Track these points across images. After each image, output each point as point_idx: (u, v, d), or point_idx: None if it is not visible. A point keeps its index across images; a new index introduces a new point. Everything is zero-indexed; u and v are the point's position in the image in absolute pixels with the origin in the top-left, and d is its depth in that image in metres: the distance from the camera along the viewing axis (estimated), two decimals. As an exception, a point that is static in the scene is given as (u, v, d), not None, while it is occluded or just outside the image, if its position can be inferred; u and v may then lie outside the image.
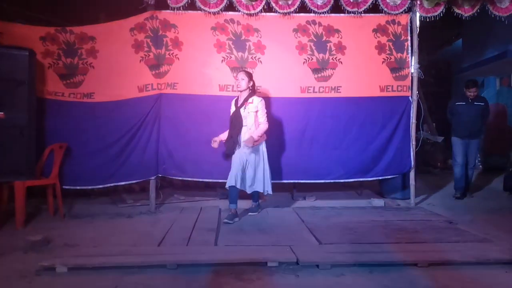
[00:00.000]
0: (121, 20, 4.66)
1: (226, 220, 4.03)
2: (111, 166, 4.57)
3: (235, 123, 4.14)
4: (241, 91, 4.20)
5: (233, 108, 4.26)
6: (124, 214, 4.44)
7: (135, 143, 4.61)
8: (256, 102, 4.14)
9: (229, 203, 4.17)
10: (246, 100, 4.15)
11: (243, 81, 4.15)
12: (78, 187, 4.57)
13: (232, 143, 4.12)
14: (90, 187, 4.66)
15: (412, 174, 4.90)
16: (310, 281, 2.68)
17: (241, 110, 4.15)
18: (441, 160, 8.33)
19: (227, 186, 4.10)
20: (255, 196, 4.45)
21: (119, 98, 4.62)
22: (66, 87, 4.61)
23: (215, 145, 4.21)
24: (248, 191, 4.20)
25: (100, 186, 4.63)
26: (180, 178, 4.86)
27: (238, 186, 4.04)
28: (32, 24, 4.69)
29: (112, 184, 4.64)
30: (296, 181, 4.99)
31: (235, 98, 4.30)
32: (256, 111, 4.12)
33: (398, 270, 2.83)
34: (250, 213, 4.41)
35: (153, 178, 4.65)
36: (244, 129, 4.15)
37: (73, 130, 4.55)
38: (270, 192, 4.22)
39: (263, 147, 4.21)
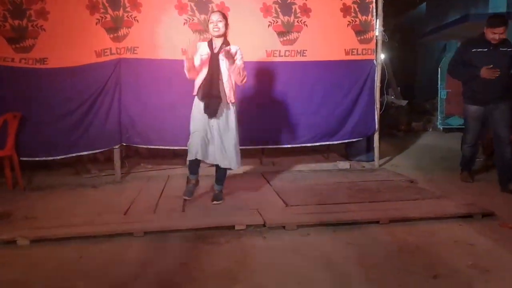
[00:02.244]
0: None
1: (185, 197, 3.47)
2: (71, 135, 4.37)
3: (214, 71, 3.31)
4: (216, 37, 3.37)
5: (204, 51, 3.37)
6: (89, 184, 4.32)
7: (96, 111, 4.41)
8: (234, 51, 3.33)
9: (189, 173, 3.53)
10: (223, 46, 3.34)
11: (221, 23, 3.31)
12: (37, 158, 4.36)
13: (216, 100, 3.29)
14: (50, 158, 4.45)
15: (376, 137, 5.03)
16: (277, 242, 2.74)
17: (220, 56, 3.33)
18: (404, 123, 8.59)
19: (188, 159, 3.44)
20: (221, 175, 3.58)
21: (76, 64, 4.36)
22: (16, 51, 4.28)
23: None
24: (212, 162, 3.44)
25: (61, 157, 4.44)
26: (145, 147, 4.75)
27: (200, 157, 3.32)
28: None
29: (74, 154, 4.47)
30: (264, 146, 5.01)
31: (207, 42, 3.44)
32: (234, 59, 3.30)
33: (360, 228, 2.94)
34: (214, 202, 3.51)
35: (116, 147, 4.52)
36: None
37: (27, 99, 4.28)
38: (238, 166, 3.54)
39: (234, 111, 3.41)
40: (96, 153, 4.73)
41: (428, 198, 3.57)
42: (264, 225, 2.96)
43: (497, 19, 3.86)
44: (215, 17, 3.35)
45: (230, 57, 3.25)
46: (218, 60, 3.32)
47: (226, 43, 3.38)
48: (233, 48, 3.37)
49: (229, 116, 3.38)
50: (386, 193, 3.77)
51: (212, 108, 3.30)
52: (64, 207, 3.52)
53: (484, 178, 4.49)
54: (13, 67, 4.27)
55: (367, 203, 3.46)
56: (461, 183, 4.24)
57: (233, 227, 2.93)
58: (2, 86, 4.25)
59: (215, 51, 3.34)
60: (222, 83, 3.33)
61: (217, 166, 3.51)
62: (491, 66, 3.79)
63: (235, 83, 3.41)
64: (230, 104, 3.37)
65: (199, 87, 3.36)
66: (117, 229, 2.88)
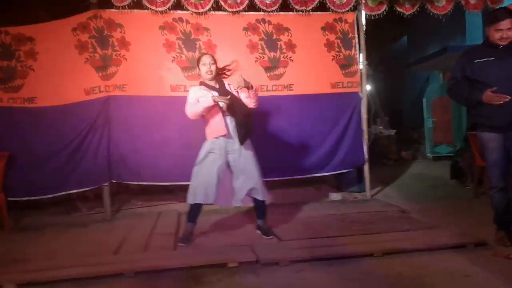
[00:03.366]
0: (62, 19, 4.42)
1: (181, 244, 3.34)
2: (59, 174, 4.32)
3: (236, 104, 3.31)
4: (209, 80, 3.42)
5: (202, 94, 3.33)
6: (79, 223, 4.23)
7: (85, 149, 4.39)
8: (227, 85, 3.46)
9: (188, 220, 3.48)
10: (221, 86, 3.41)
11: (214, 66, 3.39)
12: (24, 198, 4.29)
13: (246, 125, 3.33)
14: (38, 197, 4.37)
15: (366, 168, 5.06)
16: (271, 279, 2.68)
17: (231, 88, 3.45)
18: (394, 152, 8.69)
19: (191, 201, 3.37)
20: (261, 208, 3.55)
21: (64, 102, 4.38)
22: (4, 91, 4.29)
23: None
24: (241, 203, 3.44)
25: (49, 196, 4.37)
26: (136, 183, 4.71)
27: (212, 201, 3.33)
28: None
29: (62, 193, 4.41)
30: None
31: (203, 88, 3.42)
32: (237, 92, 3.45)
33: (355, 261, 2.90)
34: (269, 237, 3.46)
35: (106, 184, 4.47)
36: (228, 119, 3.38)
37: (15, 138, 4.26)
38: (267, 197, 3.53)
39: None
40: (85, 190, 4.66)
41: (420, 228, 3.55)
42: (257, 262, 2.90)
43: (500, 10, 3.03)
44: (208, 59, 3.39)
45: (249, 83, 3.31)
46: (229, 92, 3.35)
47: (219, 82, 3.45)
48: (226, 83, 3.47)
49: (247, 147, 3.44)
50: (379, 225, 3.75)
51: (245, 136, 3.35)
52: (53, 248, 3.43)
53: (475, 206, 4.50)
54: (1, 106, 4.27)
55: (360, 235, 3.43)
56: (453, 213, 4.24)
57: (225, 264, 2.87)
58: (-10, 126, 4.22)
59: (219, 90, 3.37)
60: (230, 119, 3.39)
61: (254, 200, 3.52)
62: (495, 88, 2.83)
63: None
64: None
65: (215, 125, 3.35)
66: (106, 270, 2.80)
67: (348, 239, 3.31)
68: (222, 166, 3.35)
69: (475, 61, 2.99)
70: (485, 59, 2.96)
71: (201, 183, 3.33)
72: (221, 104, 3.30)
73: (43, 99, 4.36)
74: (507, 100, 2.81)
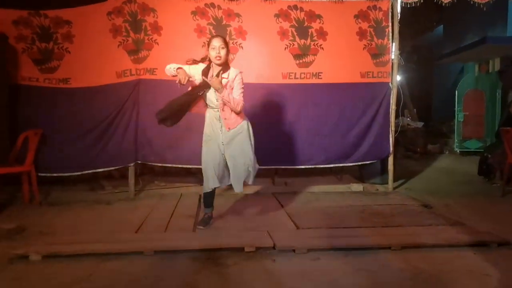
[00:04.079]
0: (98, 3, 4.53)
1: (200, 227, 3.40)
2: (88, 152, 4.50)
3: (188, 93, 3.26)
4: (218, 65, 3.23)
5: (197, 77, 3.24)
6: (103, 201, 4.40)
7: (113, 129, 4.54)
8: (233, 76, 3.22)
9: (204, 207, 3.51)
10: (220, 73, 3.21)
11: (223, 51, 3.17)
12: (54, 174, 4.49)
13: (168, 114, 3.30)
14: (67, 174, 4.57)
15: (390, 160, 4.98)
16: (286, 266, 2.71)
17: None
18: (421, 145, 8.48)
19: (204, 191, 3.42)
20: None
21: (97, 84, 4.52)
22: (41, 72, 4.49)
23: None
24: (236, 189, 3.41)
25: (78, 173, 4.56)
26: (160, 165, 4.82)
27: (218, 185, 3.35)
28: (4, 7, 4.50)
29: (90, 171, 4.58)
30: (278, 166, 5.01)
31: (204, 68, 3.26)
32: (232, 88, 3.23)
33: (372, 253, 2.88)
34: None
35: (131, 164, 4.60)
36: (211, 112, 3.33)
37: (49, 116, 4.45)
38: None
39: (249, 128, 3.40)
40: (111, 170, 4.83)
41: (443, 224, 3.49)
42: (274, 248, 2.94)
43: None
44: (217, 42, 3.17)
45: (219, 87, 3.12)
46: (200, 87, 3.22)
47: (225, 68, 3.24)
48: (232, 73, 3.24)
49: (243, 132, 3.34)
50: (400, 218, 3.71)
51: (162, 119, 3.31)
52: (78, 223, 3.59)
53: (502, 205, 4.35)
54: (37, 86, 4.45)
55: (379, 227, 3.40)
56: (478, 210, 4.12)
57: (242, 248, 2.92)
58: (26, 104, 4.42)
59: (211, 75, 3.22)
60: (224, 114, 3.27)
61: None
62: None
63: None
64: (239, 125, 3.32)
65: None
66: (127, 248, 2.90)
67: (366, 231, 3.29)
68: (216, 153, 3.33)
69: None
70: None
71: (207, 172, 3.32)
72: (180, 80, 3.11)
73: (77, 80, 4.52)
74: None
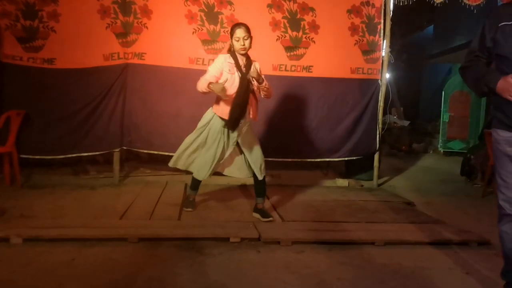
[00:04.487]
0: None
1: (187, 209, 3.56)
2: (73, 136, 4.40)
3: (245, 93, 3.21)
4: (242, 54, 3.25)
5: (227, 73, 3.20)
6: (87, 186, 4.33)
7: (99, 113, 4.44)
8: (259, 67, 3.29)
9: (191, 189, 3.62)
10: (248, 65, 3.24)
11: (247, 41, 3.19)
12: (37, 156, 4.38)
13: (238, 115, 3.22)
14: (50, 157, 4.46)
15: (376, 156, 5.03)
16: (271, 257, 2.72)
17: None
18: (406, 143, 8.60)
19: (197, 177, 3.48)
20: (260, 186, 3.48)
21: (83, 66, 4.40)
22: (25, 51, 4.33)
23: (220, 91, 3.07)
24: (242, 175, 3.55)
25: (61, 156, 4.46)
26: (147, 151, 4.76)
27: (208, 176, 3.43)
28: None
29: (74, 155, 4.49)
30: (265, 158, 4.99)
31: (230, 62, 3.24)
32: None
33: (356, 248, 2.92)
34: (264, 220, 3.37)
35: (117, 150, 4.53)
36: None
37: (33, 97, 4.32)
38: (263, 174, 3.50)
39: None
40: (96, 154, 4.74)
41: (424, 222, 3.55)
42: (259, 239, 2.94)
43: None
44: (241, 32, 3.17)
45: (260, 78, 3.18)
46: (248, 81, 3.20)
47: (249, 59, 3.27)
48: (257, 65, 3.28)
49: (250, 129, 3.42)
50: (383, 214, 3.76)
51: (234, 124, 3.24)
52: (60, 207, 3.52)
53: (482, 205, 4.46)
54: (21, 65, 4.31)
55: (363, 223, 3.44)
56: (459, 209, 4.21)
57: (228, 239, 2.92)
58: (9, 83, 4.28)
59: (244, 70, 3.22)
60: (251, 102, 3.28)
61: (255, 178, 3.46)
62: None
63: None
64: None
65: (225, 106, 3.23)
66: (111, 234, 2.87)
67: (351, 226, 3.33)
68: (224, 144, 3.33)
69: (501, 24, 1.96)
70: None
71: (206, 159, 3.35)
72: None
73: (62, 61, 4.39)
74: None
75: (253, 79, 3.20)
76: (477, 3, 4.74)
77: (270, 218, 3.40)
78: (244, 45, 3.18)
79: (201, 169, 3.41)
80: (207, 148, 3.35)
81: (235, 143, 3.39)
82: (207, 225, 3.20)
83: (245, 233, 3.01)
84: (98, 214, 3.38)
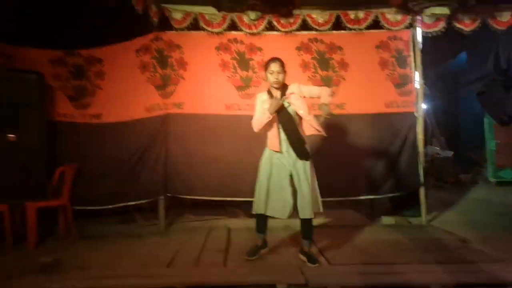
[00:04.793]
0: (127, 42, 4.75)
1: (247, 257, 3.41)
2: (121, 186, 4.58)
3: (283, 118, 3.29)
4: (276, 88, 3.36)
5: (265, 111, 3.28)
6: (135, 234, 4.43)
7: (144, 163, 4.64)
8: (296, 88, 3.33)
9: (257, 231, 3.49)
10: (284, 94, 3.32)
11: (281, 76, 3.30)
12: (89, 208, 4.58)
13: (297, 142, 3.29)
14: (100, 207, 4.65)
15: (422, 190, 4.85)
16: (320, 304, 2.64)
17: (287, 108, 3.32)
18: (451, 175, 8.23)
19: (254, 212, 3.39)
20: (305, 227, 3.39)
21: (127, 119, 4.68)
22: (76, 108, 4.69)
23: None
24: (301, 215, 3.29)
25: (112, 206, 4.64)
26: (189, 197, 4.86)
27: (263, 212, 3.30)
28: (41, 48, 4.75)
29: (122, 204, 4.66)
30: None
31: (262, 99, 3.38)
32: (303, 97, 3.34)
33: (409, 291, 2.78)
34: (309, 265, 3.26)
35: (161, 197, 4.66)
36: (283, 135, 3.34)
37: (82, 151, 4.59)
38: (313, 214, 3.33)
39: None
40: (142, 202, 4.89)
41: (483, 261, 3.32)
42: (306, 285, 2.88)
43: None
44: (276, 67, 3.29)
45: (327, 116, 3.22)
46: (283, 108, 3.28)
47: (283, 89, 3.35)
48: (292, 87, 3.34)
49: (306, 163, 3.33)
50: (436, 254, 3.56)
51: (301, 150, 3.28)
52: (111, 257, 3.62)
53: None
54: (72, 122, 4.65)
55: (415, 264, 3.28)
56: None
57: (274, 285, 2.87)
58: (62, 140, 4.59)
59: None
60: (301, 124, 3.32)
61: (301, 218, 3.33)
62: None
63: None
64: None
65: (272, 140, 3.33)
66: (160, 283, 2.91)
67: (402, 268, 3.18)
68: (284, 172, 3.29)
69: None
70: None
71: (259, 195, 3.33)
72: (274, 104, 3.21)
73: (108, 116, 4.70)
74: None
75: (288, 100, 3.28)
76: (507, 27, 4.66)
77: (317, 264, 3.31)
78: (277, 78, 3.29)
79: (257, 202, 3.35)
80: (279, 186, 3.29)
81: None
82: (253, 271, 3.17)
83: (291, 279, 2.95)
84: (147, 262, 3.44)
